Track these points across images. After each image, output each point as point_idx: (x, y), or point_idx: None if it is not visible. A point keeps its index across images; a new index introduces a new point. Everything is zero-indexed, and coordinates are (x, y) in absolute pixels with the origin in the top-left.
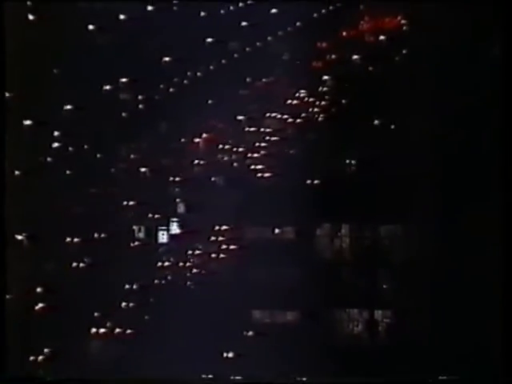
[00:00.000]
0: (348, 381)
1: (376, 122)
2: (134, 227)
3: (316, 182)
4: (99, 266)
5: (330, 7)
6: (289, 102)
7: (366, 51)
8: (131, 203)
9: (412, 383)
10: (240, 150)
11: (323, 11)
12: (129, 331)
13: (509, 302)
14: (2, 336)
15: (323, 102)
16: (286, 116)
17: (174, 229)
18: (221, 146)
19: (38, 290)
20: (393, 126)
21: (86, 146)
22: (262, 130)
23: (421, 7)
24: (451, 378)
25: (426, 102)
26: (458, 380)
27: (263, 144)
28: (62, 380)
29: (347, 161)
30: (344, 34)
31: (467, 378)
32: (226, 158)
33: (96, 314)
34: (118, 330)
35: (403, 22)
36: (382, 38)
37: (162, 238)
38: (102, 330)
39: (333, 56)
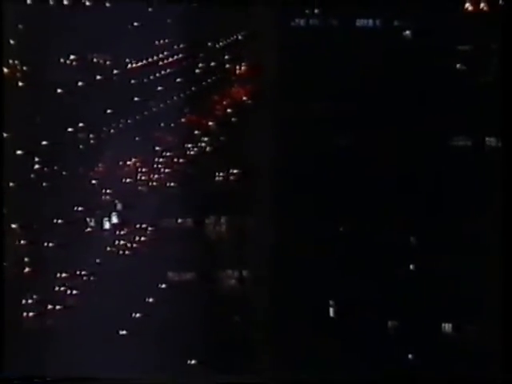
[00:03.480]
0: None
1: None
2: (87, 218)
3: (204, 189)
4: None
5: (209, 80)
6: (186, 141)
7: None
8: (86, 203)
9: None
10: (156, 169)
11: (203, 83)
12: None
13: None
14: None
15: (208, 140)
16: (185, 148)
17: (114, 220)
18: (144, 167)
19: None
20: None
21: (55, 167)
22: (172, 156)
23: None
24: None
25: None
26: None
27: (173, 166)
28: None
29: (226, 177)
30: (216, 98)
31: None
32: (147, 175)
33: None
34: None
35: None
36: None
37: (106, 225)
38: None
39: (211, 112)
